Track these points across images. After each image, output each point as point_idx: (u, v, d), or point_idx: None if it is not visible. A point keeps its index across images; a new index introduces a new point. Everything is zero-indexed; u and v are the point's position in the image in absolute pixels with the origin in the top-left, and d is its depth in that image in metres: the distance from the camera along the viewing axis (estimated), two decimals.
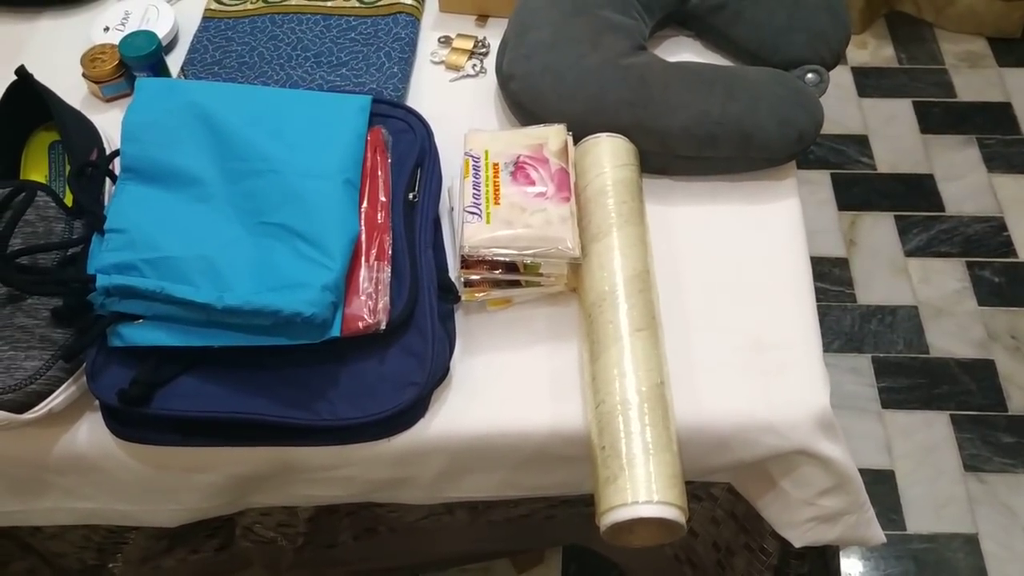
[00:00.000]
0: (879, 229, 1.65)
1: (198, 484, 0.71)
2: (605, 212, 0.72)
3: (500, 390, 0.69)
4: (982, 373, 1.48)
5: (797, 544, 0.73)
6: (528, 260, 0.69)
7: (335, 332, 0.65)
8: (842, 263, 1.61)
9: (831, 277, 1.60)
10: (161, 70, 0.86)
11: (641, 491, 0.59)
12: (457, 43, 0.90)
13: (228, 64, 0.87)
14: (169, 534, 0.80)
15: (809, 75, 0.81)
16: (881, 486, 1.39)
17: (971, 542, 1.32)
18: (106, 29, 0.91)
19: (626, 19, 0.81)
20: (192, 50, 0.89)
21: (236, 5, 0.93)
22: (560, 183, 0.72)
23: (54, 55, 0.92)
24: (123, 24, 0.91)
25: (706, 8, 0.84)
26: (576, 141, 0.77)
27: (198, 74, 0.87)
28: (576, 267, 0.71)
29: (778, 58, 0.82)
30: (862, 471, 1.42)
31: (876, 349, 1.52)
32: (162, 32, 0.89)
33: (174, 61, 0.90)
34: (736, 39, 0.84)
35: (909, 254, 1.62)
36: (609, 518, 0.60)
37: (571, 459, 0.68)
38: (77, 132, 0.76)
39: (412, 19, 0.90)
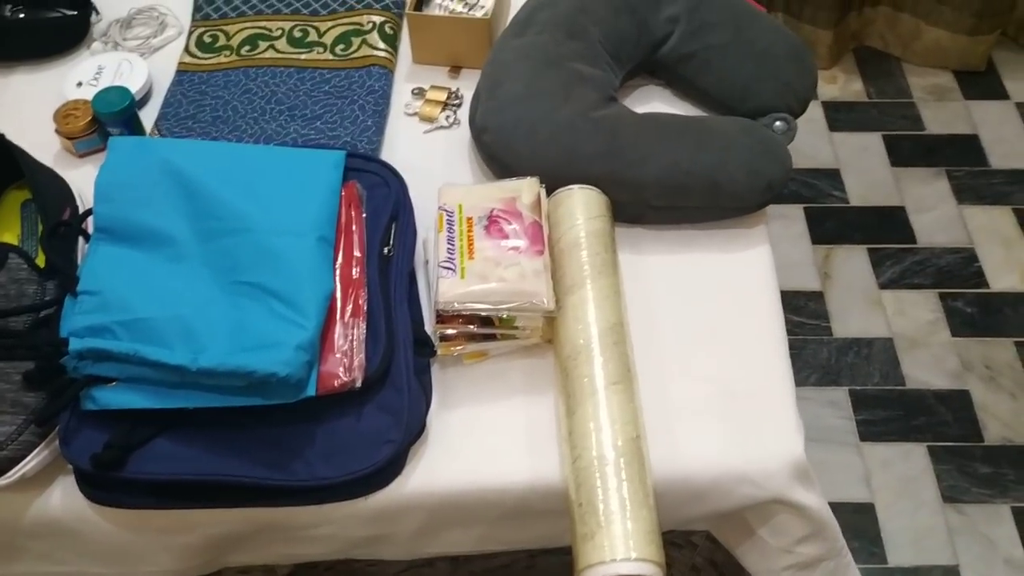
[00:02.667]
0: (853, 262, 1.67)
1: (174, 546, 0.70)
2: (579, 264, 0.72)
3: (477, 445, 0.69)
4: (958, 404, 1.50)
5: None
6: (503, 314, 0.70)
7: (310, 391, 0.64)
8: (817, 296, 1.63)
9: (807, 311, 1.61)
10: (135, 125, 0.86)
11: (619, 548, 0.59)
12: (431, 95, 0.90)
13: (202, 118, 0.87)
14: None
15: (777, 123, 0.82)
16: (861, 519, 1.39)
17: (951, 573, 1.33)
18: (79, 84, 0.91)
19: (596, 71, 0.82)
20: (166, 104, 0.89)
21: (210, 58, 0.93)
22: (533, 236, 0.72)
23: (26, 110, 0.91)
24: (96, 79, 0.91)
25: (675, 58, 0.86)
26: (549, 193, 0.77)
27: (172, 129, 0.87)
28: (552, 320, 0.72)
29: (746, 107, 0.83)
30: (842, 504, 1.43)
31: (853, 382, 1.53)
32: (135, 86, 0.89)
33: (148, 115, 0.90)
34: (705, 88, 0.85)
35: (883, 286, 1.63)
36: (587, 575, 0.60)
37: (550, 513, 0.68)
38: (49, 191, 0.76)
39: (386, 71, 0.91)
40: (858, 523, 1.39)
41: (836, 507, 1.39)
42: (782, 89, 0.84)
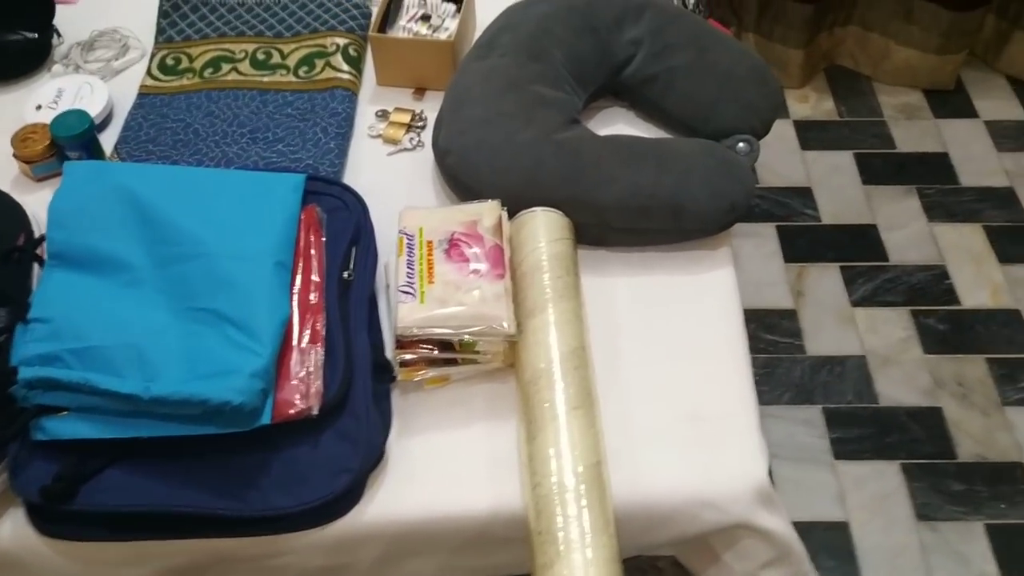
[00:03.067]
0: (825, 280, 1.67)
1: None
2: (540, 287, 0.72)
3: (438, 472, 0.68)
4: (930, 421, 1.50)
5: None
6: (464, 339, 0.69)
7: (265, 419, 0.64)
8: (790, 314, 1.63)
9: (780, 329, 1.61)
10: (94, 149, 0.85)
11: None
12: (395, 117, 0.90)
13: (163, 142, 0.87)
14: None
15: (740, 144, 0.83)
16: (836, 537, 1.39)
17: None
18: (38, 107, 0.90)
19: (559, 93, 0.82)
20: (126, 128, 0.89)
21: (172, 81, 0.92)
22: (494, 260, 0.72)
23: None
24: (56, 102, 0.90)
25: (638, 80, 0.86)
26: (512, 215, 0.77)
27: (132, 152, 0.86)
28: (513, 343, 0.71)
29: (709, 128, 0.84)
30: (816, 523, 1.42)
31: (826, 400, 1.53)
32: (96, 110, 0.88)
33: (108, 138, 0.89)
34: (668, 110, 0.86)
35: (855, 304, 1.64)
36: None
37: (512, 541, 0.67)
38: (3, 216, 0.75)
39: (349, 94, 0.90)
40: (833, 542, 1.38)
41: (810, 526, 1.39)
42: (745, 110, 0.84)
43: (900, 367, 1.56)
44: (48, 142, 0.85)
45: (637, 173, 0.77)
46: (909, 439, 1.48)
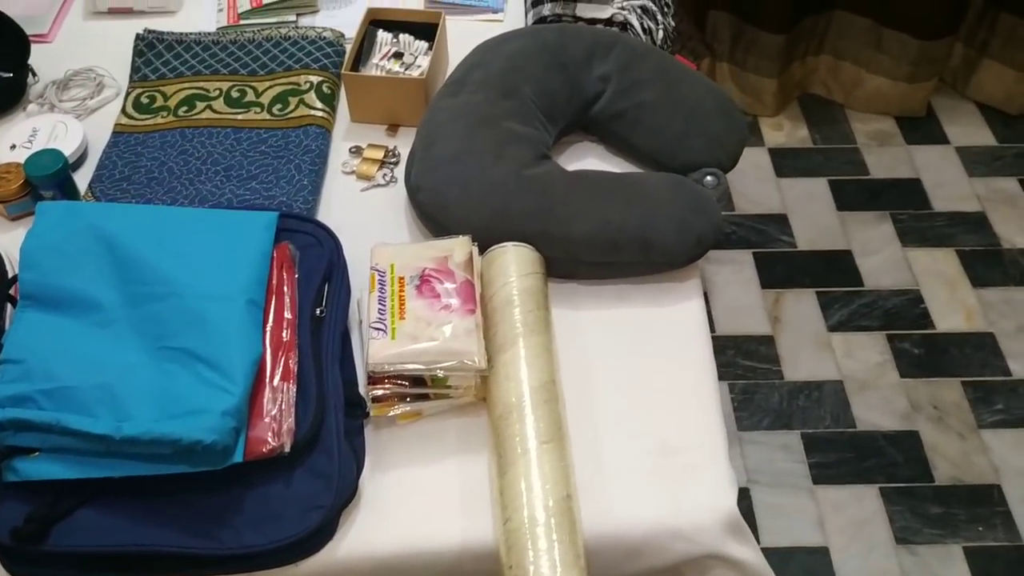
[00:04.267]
0: (802, 305, 1.69)
1: None
2: (511, 322, 0.72)
3: (411, 508, 0.68)
4: (907, 444, 1.51)
5: None
6: (436, 374, 0.70)
7: (237, 458, 0.64)
8: (768, 340, 1.64)
9: (758, 355, 1.62)
10: (68, 188, 0.86)
11: None
12: (368, 153, 0.91)
13: (137, 180, 0.87)
14: None
15: (708, 178, 0.84)
16: (816, 563, 1.39)
17: None
18: (12, 147, 0.90)
19: (529, 129, 0.83)
20: (100, 166, 0.89)
21: (147, 119, 0.93)
22: (465, 295, 0.73)
23: None
24: (30, 141, 0.91)
25: (607, 116, 0.87)
26: (483, 250, 0.78)
27: (106, 191, 0.87)
28: (485, 378, 0.72)
29: (677, 162, 0.85)
30: (797, 549, 1.42)
31: (804, 425, 1.54)
32: (70, 149, 0.89)
33: (83, 177, 0.90)
34: (636, 145, 0.87)
35: (832, 329, 1.66)
36: None
37: (483, 575, 0.68)
38: None
39: (323, 131, 0.91)
40: (813, 567, 1.39)
41: (791, 551, 1.40)
42: (711, 144, 0.85)
43: (877, 391, 1.58)
44: (22, 181, 0.85)
45: (606, 208, 0.78)
46: (887, 463, 1.49)
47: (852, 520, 1.44)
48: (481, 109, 0.83)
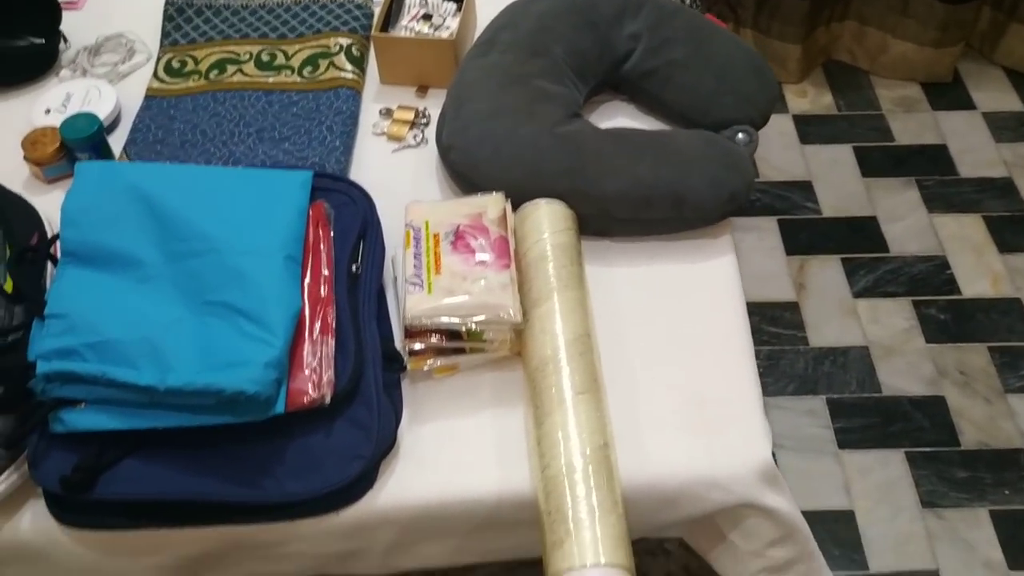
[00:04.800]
0: (827, 272, 1.68)
1: (147, 567, 0.70)
2: (545, 277, 0.73)
3: (448, 458, 0.69)
4: (933, 409, 1.51)
5: None
6: (471, 327, 0.70)
7: (279, 408, 0.65)
8: (793, 307, 1.64)
9: (783, 321, 1.62)
10: (103, 151, 0.87)
11: (588, 554, 0.60)
12: (398, 115, 0.92)
13: (170, 142, 0.88)
14: None
15: (739, 135, 0.84)
16: (842, 526, 1.40)
17: None
18: (47, 111, 0.91)
19: (560, 88, 0.83)
20: (134, 129, 0.90)
21: (178, 83, 0.94)
22: (500, 250, 0.73)
23: None
24: (64, 106, 0.91)
25: (638, 74, 0.87)
26: (515, 207, 0.78)
27: (140, 153, 0.87)
28: (520, 332, 0.72)
29: (709, 120, 0.85)
30: (822, 512, 1.43)
31: (830, 390, 1.54)
32: (104, 113, 0.90)
33: (117, 140, 0.91)
34: (668, 103, 0.87)
35: (857, 295, 1.65)
36: None
37: (522, 523, 0.69)
38: (17, 217, 0.77)
39: (353, 92, 0.92)
40: (838, 530, 1.39)
41: (816, 515, 1.40)
42: (743, 102, 0.85)
43: (903, 357, 1.57)
44: (58, 144, 0.86)
45: (638, 164, 0.78)
46: (913, 428, 1.49)
47: (878, 484, 1.44)
48: (512, 68, 0.84)
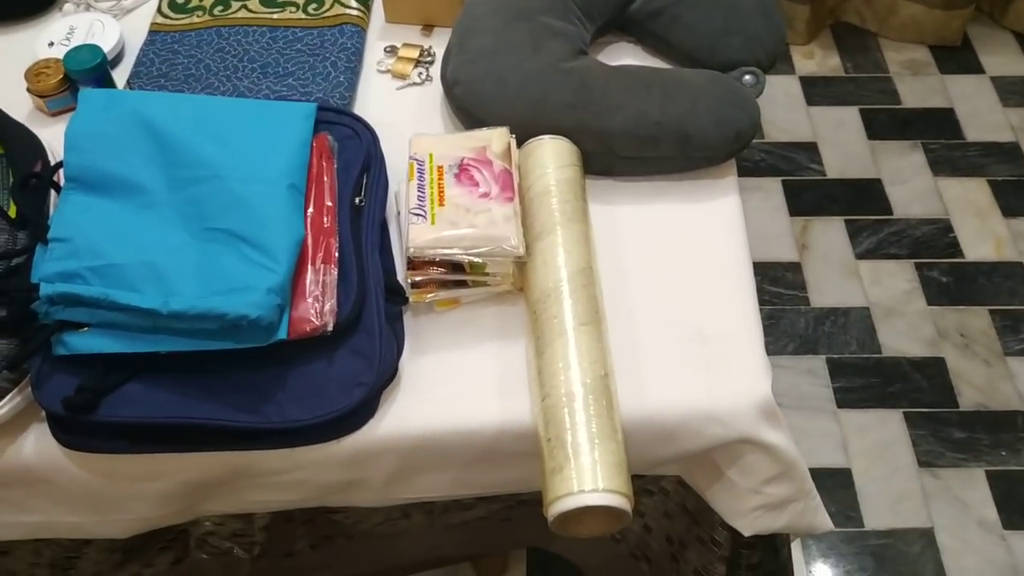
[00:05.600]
0: (830, 233, 1.68)
1: (148, 493, 0.70)
2: (549, 211, 0.73)
3: (449, 389, 0.69)
4: (933, 371, 1.52)
5: (746, 533, 0.74)
6: (473, 259, 0.70)
7: (282, 335, 0.65)
8: (795, 267, 1.64)
9: (785, 281, 1.63)
10: (106, 83, 0.86)
11: (587, 480, 0.60)
12: (403, 52, 0.91)
13: (174, 76, 0.88)
14: (122, 547, 0.79)
15: (746, 77, 0.83)
16: (838, 484, 1.41)
17: (927, 536, 1.35)
18: (51, 44, 0.91)
19: (567, 25, 0.83)
20: (138, 63, 0.90)
21: (183, 19, 0.93)
22: (504, 184, 0.73)
23: None
24: (68, 39, 0.91)
25: (645, 14, 0.87)
26: (520, 143, 0.78)
27: (144, 87, 0.87)
28: (522, 266, 0.72)
29: (715, 61, 0.84)
30: (820, 470, 1.44)
31: (830, 350, 1.54)
32: (107, 46, 0.89)
33: (120, 75, 0.90)
34: (674, 43, 0.86)
35: (860, 257, 1.65)
36: (556, 508, 0.61)
37: (521, 455, 0.69)
38: (20, 144, 0.76)
39: (358, 29, 0.91)
40: (835, 488, 1.40)
41: (814, 473, 1.39)
42: (751, 43, 0.84)
43: (903, 318, 1.58)
44: (61, 76, 0.86)
45: (644, 101, 0.78)
46: (912, 388, 1.50)
47: (875, 443, 1.45)
48: (518, 4, 0.83)
